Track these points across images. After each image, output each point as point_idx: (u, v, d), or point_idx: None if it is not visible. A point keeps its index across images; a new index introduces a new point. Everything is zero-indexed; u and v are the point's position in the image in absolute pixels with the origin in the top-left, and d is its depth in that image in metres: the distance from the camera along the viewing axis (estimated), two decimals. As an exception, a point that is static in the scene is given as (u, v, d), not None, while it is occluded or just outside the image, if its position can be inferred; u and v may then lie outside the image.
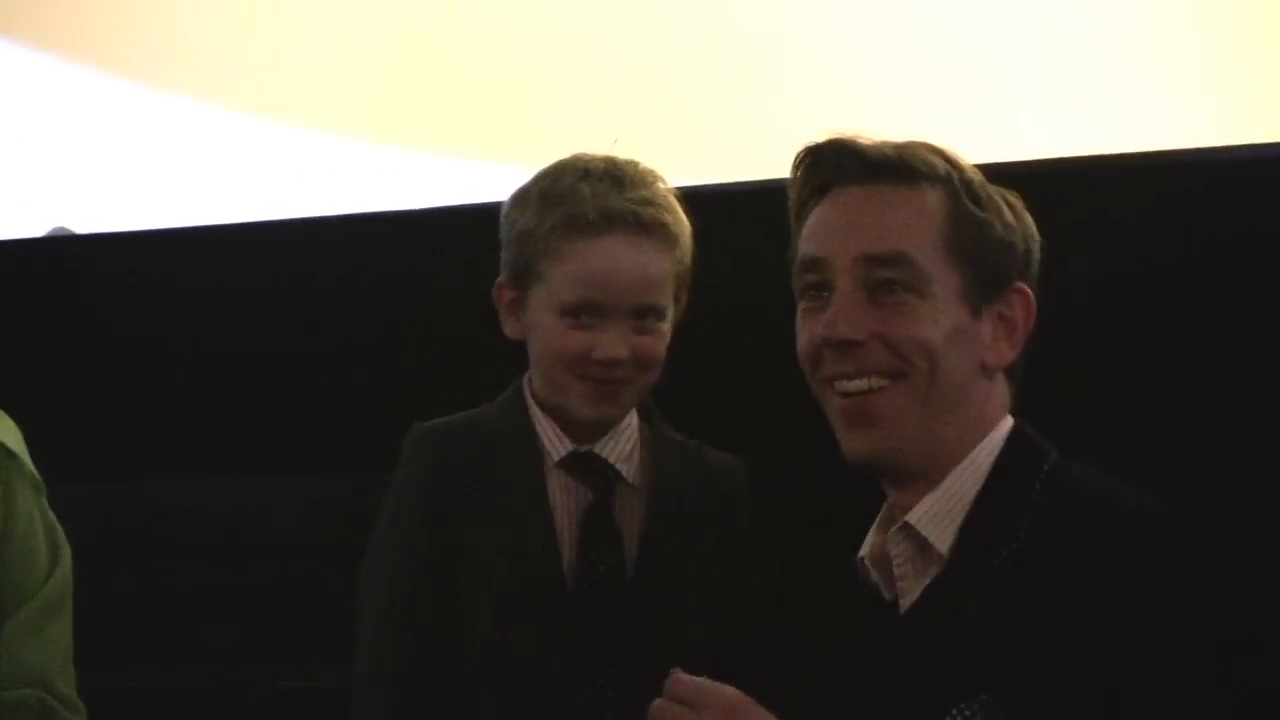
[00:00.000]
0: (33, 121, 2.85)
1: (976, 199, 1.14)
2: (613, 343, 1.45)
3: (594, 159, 1.51)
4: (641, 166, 1.52)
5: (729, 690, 1.03)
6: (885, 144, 1.16)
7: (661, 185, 1.52)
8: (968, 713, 0.97)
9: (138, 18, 2.83)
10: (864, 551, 1.17)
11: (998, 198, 1.16)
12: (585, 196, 1.45)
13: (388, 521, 1.54)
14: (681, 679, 1.03)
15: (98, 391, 2.53)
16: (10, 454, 1.48)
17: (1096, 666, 0.95)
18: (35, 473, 1.50)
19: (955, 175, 1.15)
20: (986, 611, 1.02)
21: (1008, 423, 1.16)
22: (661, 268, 1.48)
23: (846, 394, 1.11)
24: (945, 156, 1.17)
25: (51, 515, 1.51)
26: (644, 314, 1.47)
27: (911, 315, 1.10)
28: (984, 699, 0.97)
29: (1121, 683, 0.94)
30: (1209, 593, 1.03)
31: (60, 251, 2.78)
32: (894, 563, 1.12)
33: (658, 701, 1.02)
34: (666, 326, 1.50)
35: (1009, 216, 1.16)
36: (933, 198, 1.13)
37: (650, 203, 1.47)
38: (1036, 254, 1.18)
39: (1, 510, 1.46)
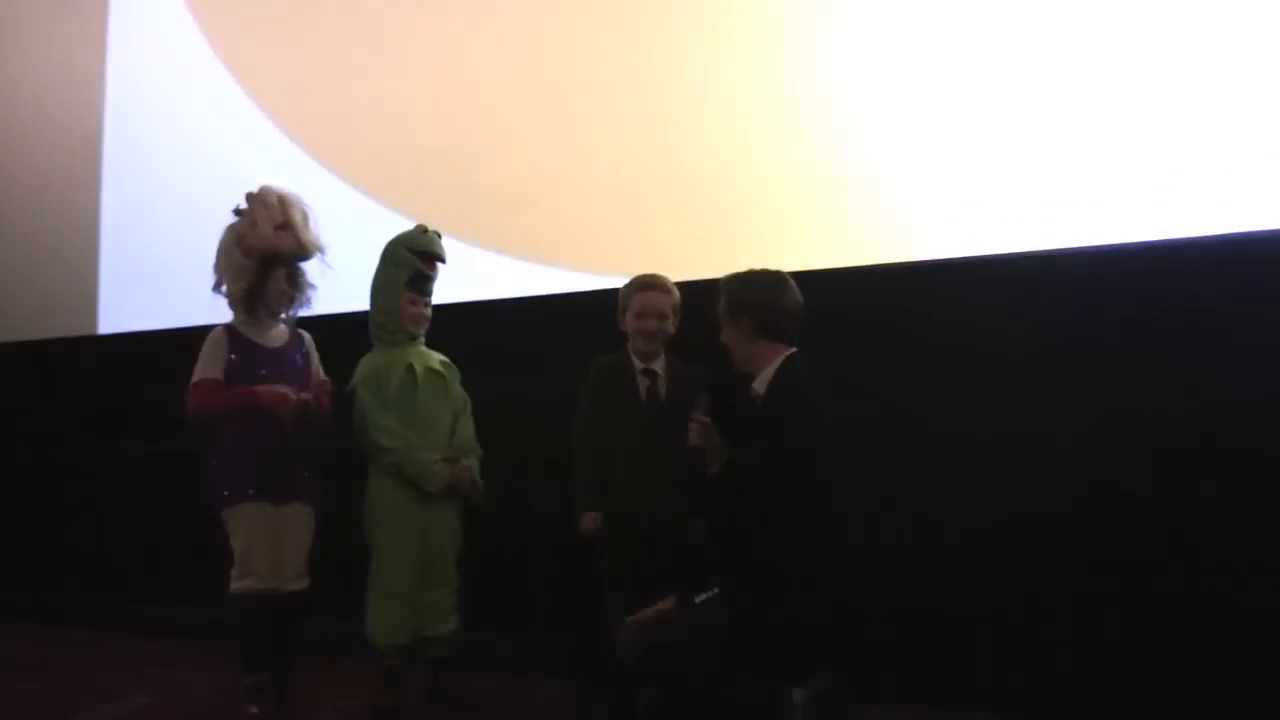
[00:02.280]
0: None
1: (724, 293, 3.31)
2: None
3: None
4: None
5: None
6: None
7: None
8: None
9: None
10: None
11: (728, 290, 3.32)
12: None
13: (583, 396, 3.72)
14: (696, 416, 3.20)
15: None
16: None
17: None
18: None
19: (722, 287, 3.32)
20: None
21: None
22: (670, 303, 3.70)
23: None
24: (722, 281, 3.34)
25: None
26: (662, 317, 3.65)
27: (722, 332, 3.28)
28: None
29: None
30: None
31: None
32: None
33: (692, 421, 3.21)
34: (672, 324, 3.69)
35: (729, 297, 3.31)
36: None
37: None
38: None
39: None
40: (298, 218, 3.78)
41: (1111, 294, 3.59)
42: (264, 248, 3.75)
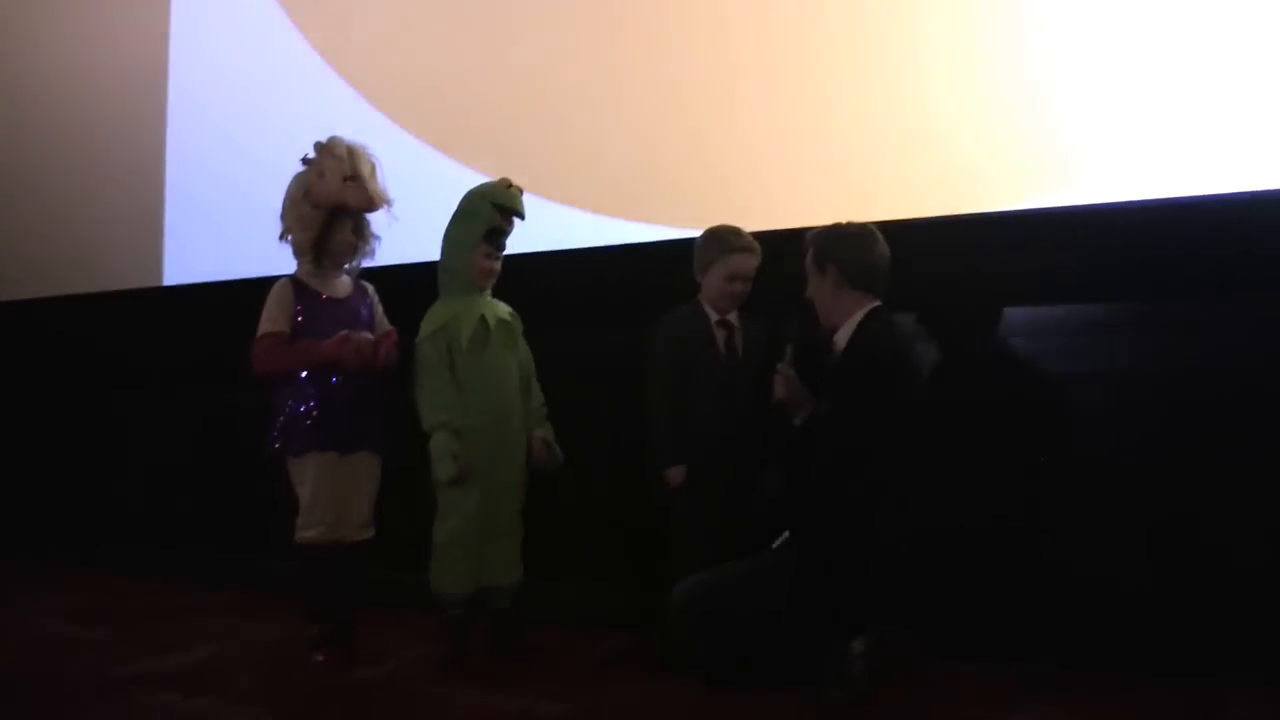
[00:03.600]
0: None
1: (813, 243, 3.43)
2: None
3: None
4: None
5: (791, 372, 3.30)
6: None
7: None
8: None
9: None
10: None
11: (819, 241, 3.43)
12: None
13: (657, 349, 3.75)
14: (781, 368, 3.32)
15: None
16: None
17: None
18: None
19: (809, 239, 3.45)
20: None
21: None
22: (756, 265, 3.75)
23: None
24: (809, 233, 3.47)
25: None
26: (749, 280, 3.72)
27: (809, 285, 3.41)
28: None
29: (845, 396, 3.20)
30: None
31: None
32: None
33: (777, 374, 3.33)
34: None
35: (820, 248, 3.42)
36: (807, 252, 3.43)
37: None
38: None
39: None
40: (365, 169, 3.77)
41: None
42: (332, 199, 3.74)
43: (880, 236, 3.36)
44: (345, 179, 3.73)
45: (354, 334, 3.72)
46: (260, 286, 3.85)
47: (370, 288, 3.97)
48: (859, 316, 3.31)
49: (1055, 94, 3.73)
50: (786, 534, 3.38)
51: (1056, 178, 3.70)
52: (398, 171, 3.95)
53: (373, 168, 3.80)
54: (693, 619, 3.30)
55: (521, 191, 3.78)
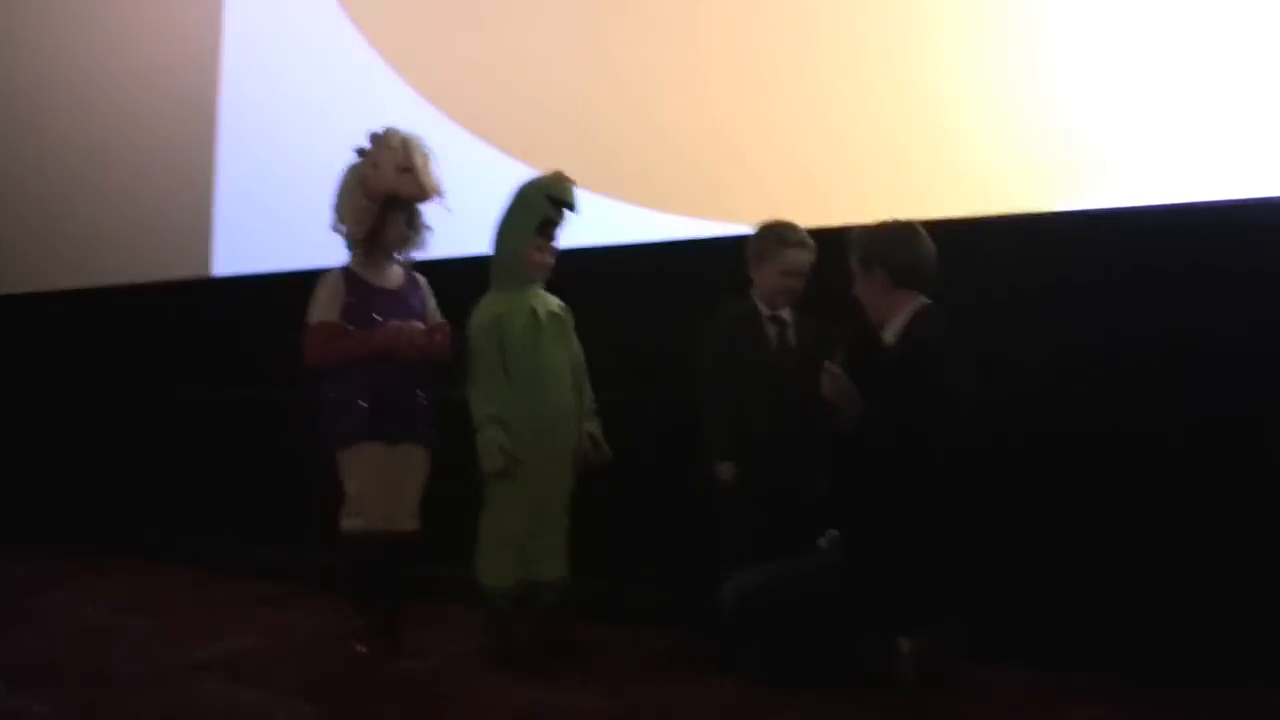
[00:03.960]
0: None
1: (860, 246, 3.40)
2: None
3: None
4: None
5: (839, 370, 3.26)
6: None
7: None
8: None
9: None
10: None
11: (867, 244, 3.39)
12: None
13: (709, 344, 3.72)
14: (829, 367, 3.28)
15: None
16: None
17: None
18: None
19: (853, 239, 3.41)
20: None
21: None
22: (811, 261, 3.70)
23: None
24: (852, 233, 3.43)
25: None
26: (804, 276, 3.68)
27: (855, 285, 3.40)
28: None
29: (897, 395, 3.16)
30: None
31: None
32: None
33: (825, 372, 3.28)
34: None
35: (868, 248, 3.38)
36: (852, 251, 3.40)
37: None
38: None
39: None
40: (419, 161, 3.76)
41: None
42: (386, 190, 3.74)
43: (924, 233, 3.33)
44: (400, 170, 3.73)
45: (406, 324, 3.72)
46: (310, 278, 3.85)
47: (423, 280, 3.96)
48: (907, 314, 3.30)
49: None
50: (834, 532, 3.35)
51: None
52: (450, 163, 3.92)
53: (426, 159, 3.78)
54: (741, 615, 3.29)
55: (574, 184, 3.76)
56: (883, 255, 3.33)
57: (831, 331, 3.51)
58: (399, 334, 3.68)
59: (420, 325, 3.77)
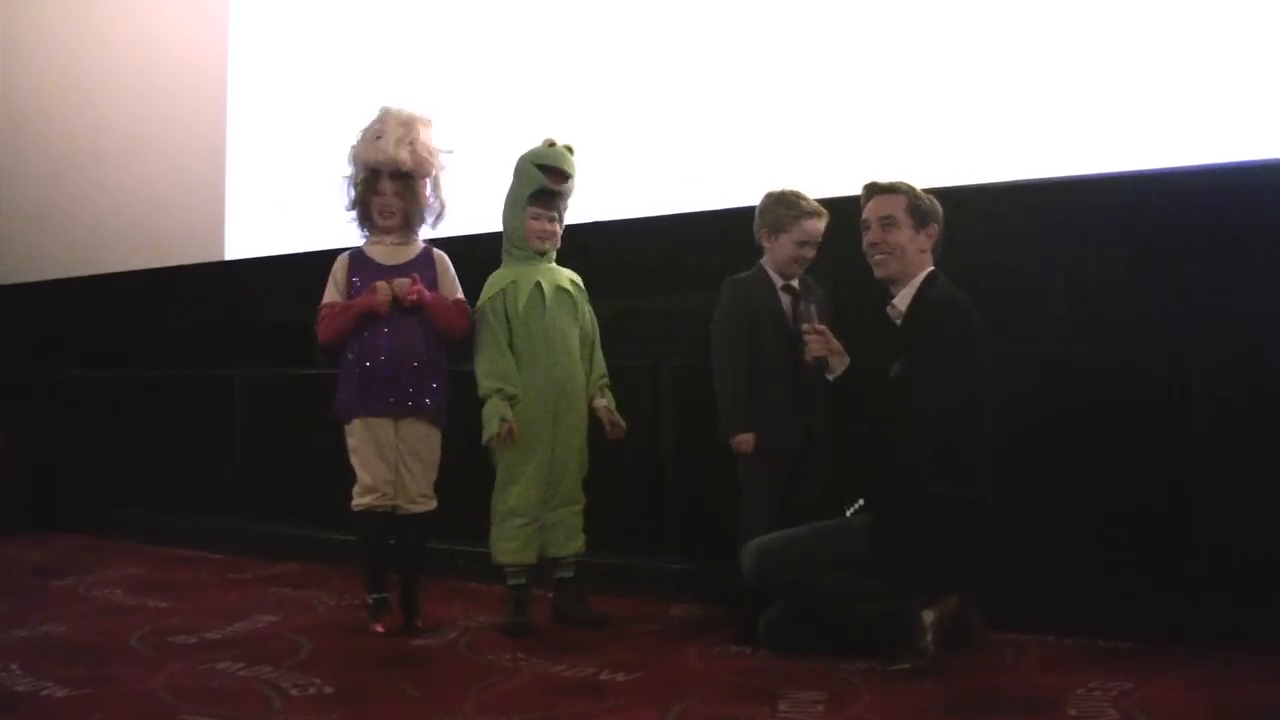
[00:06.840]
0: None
1: (918, 198, 3.34)
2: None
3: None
4: None
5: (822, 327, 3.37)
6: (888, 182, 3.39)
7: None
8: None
9: None
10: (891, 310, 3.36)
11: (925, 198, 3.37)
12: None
13: (722, 313, 3.66)
14: (812, 325, 3.37)
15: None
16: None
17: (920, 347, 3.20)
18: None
19: (908, 190, 3.35)
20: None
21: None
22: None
23: (873, 258, 3.36)
24: (905, 184, 3.37)
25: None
26: (814, 245, 3.63)
27: (895, 232, 3.31)
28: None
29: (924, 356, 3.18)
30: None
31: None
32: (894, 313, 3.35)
33: (807, 331, 3.37)
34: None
35: (926, 204, 3.35)
36: (901, 200, 3.33)
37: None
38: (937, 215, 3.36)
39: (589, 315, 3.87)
40: (392, 129, 3.74)
41: None
42: (362, 159, 3.77)
43: None
44: (374, 138, 3.74)
45: (386, 281, 3.68)
46: (323, 260, 3.87)
47: (441, 255, 3.89)
48: (921, 278, 3.34)
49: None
50: (860, 502, 3.34)
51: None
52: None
53: (409, 129, 3.75)
54: (761, 575, 3.27)
55: (571, 150, 3.74)
56: (938, 215, 3.38)
57: (813, 290, 3.62)
58: (376, 291, 3.64)
59: (406, 281, 3.69)
